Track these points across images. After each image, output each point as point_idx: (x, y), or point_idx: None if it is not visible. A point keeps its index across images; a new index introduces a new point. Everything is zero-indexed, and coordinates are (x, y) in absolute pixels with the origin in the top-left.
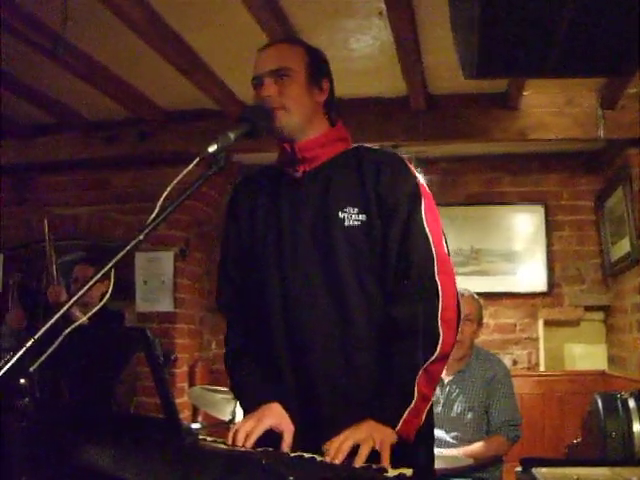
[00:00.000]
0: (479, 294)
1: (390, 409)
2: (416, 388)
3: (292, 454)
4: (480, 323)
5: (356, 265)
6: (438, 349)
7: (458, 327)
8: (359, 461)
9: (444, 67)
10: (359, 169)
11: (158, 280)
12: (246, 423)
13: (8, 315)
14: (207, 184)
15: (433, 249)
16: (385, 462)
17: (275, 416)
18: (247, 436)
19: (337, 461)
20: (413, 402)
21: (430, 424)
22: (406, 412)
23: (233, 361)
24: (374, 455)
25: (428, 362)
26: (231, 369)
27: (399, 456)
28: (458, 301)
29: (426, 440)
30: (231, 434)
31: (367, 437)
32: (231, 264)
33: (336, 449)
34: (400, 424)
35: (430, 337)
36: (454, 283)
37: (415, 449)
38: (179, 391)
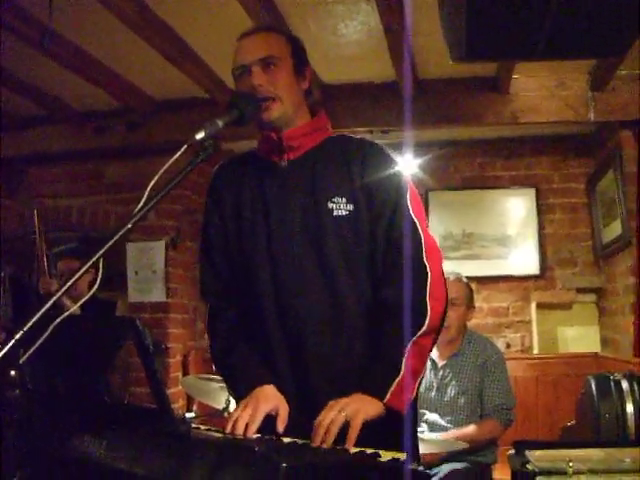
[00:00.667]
0: (471, 278)
1: (377, 381)
2: (404, 361)
3: (286, 440)
4: (470, 306)
5: (345, 253)
6: (427, 322)
7: (446, 305)
8: (350, 445)
9: (433, 51)
10: (344, 159)
11: (150, 270)
12: (244, 411)
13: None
14: (197, 173)
15: (421, 234)
16: (350, 440)
17: (270, 399)
18: (247, 425)
19: (325, 446)
20: (401, 374)
21: (415, 405)
22: (394, 384)
23: (222, 350)
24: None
25: (417, 335)
26: (221, 358)
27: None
28: (445, 282)
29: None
30: (230, 424)
31: (343, 407)
32: (215, 251)
33: (321, 435)
34: (388, 396)
35: (418, 311)
36: (441, 263)
37: (404, 431)
38: (173, 380)
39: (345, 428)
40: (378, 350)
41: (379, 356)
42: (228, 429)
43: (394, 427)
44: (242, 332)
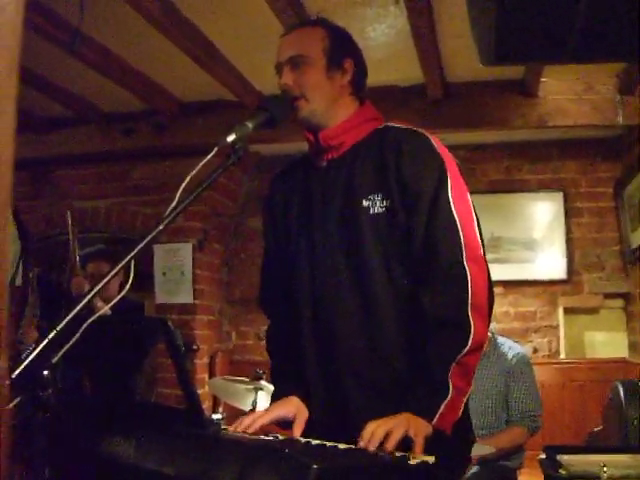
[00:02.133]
0: (498, 282)
1: (426, 402)
2: (450, 381)
3: (314, 442)
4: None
5: (383, 253)
6: (470, 341)
7: (490, 315)
8: (389, 445)
9: (461, 55)
10: (381, 151)
11: (177, 272)
12: (255, 413)
13: (28, 307)
14: (224, 175)
15: (461, 234)
16: (418, 450)
17: (287, 407)
18: (251, 424)
19: (371, 447)
20: (449, 396)
21: (467, 413)
22: (442, 405)
23: (270, 353)
24: (407, 444)
25: (461, 355)
26: (270, 362)
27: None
28: (490, 288)
29: (464, 429)
30: (237, 422)
31: (400, 424)
32: (271, 261)
33: (370, 434)
34: (437, 418)
35: (461, 328)
36: (484, 269)
37: (452, 438)
38: (200, 382)
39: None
40: (424, 368)
41: (424, 375)
42: (235, 426)
43: (440, 446)
44: (286, 339)
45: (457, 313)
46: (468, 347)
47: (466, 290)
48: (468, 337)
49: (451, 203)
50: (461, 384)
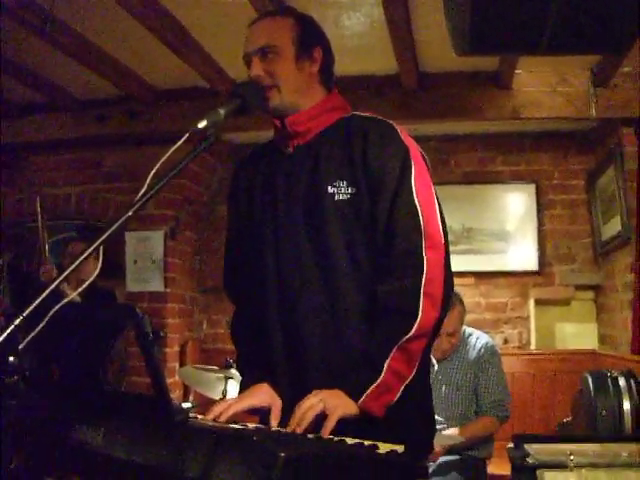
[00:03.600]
0: (470, 273)
1: (355, 383)
2: (386, 364)
3: (284, 430)
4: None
5: (347, 239)
6: (415, 327)
7: (445, 303)
8: (325, 432)
9: (436, 45)
10: (348, 139)
11: (148, 260)
12: (226, 402)
13: None
14: (197, 163)
15: (422, 222)
16: (327, 426)
17: (259, 395)
18: (222, 412)
19: (298, 431)
20: (380, 378)
21: (426, 401)
22: (371, 387)
23: (236, 340)
24: (351, 427)
25: (403, 340)
26: (235, 347)
27: (391, 431)
28: (448, 276)
29: (422, 416)
30: (209, 411)
31: (323, 398)
32: (233, 246)
33: (298, 420)
34: (363, 398)
35: (407, 314)
36: (443, 258)
37: (409, 425)
38: (170, 371)
39: (320, 418)
40: (365, 351)
41: (363, 357)
42: (207, 415)
43: (372, 428)
44: (250, 323)
45: (406, 299)
46: (412, 333)
47: (420, 278)
48: (413, 323)
49: (413, 191)
50: (401, 368)
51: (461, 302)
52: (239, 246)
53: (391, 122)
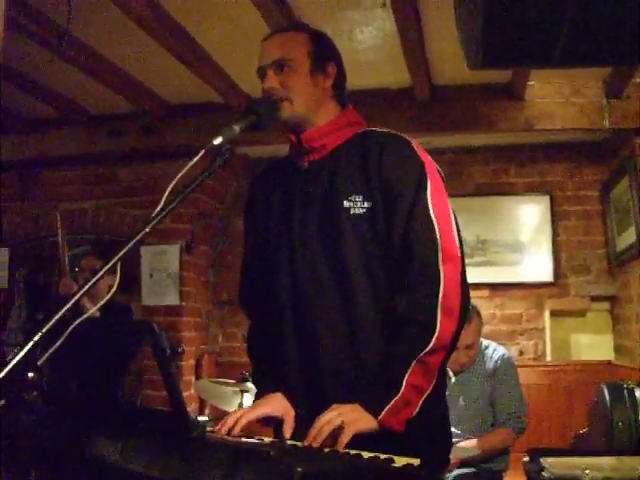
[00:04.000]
0: (485, 285)
1: (374, 398)
2: (406, 379)
3: (300, 444)
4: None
5: (363, 254)
6: (433, 340)
7: (462, 316)
8: (339, 446)
9: (448, 58)
10: (363, 154)
11: (164, 274)
12: (240, 411)
13: (15, 308)
14: (212, 177)
15: (438, 236)
16: (342, 440)
17: (272, 404)
18: (236, 422)
19: (315, 444)
20: (399, 393)
21: (443, 414)
22: (391, 402)
23: (251, 353)
24: (368, 440)
25: (422, 353)
26: (251, 361)
27: (408, 445)
28: (465, 289)
29: (439, 430)
30: (222, 421)
31: (342, 413)
32: (250, 262)
33: (315, 434)
34: (383, 414)
35: (426, 328)
36: (459, 271)
37: (426, 438)
38: (186, 384)
39: (338, 432)
40: (383, 365)
41: (382, 372)
42: (219, 426)
43: (389, 442)
44: (266, 338)
45: (424, 313)
46: (430, 346)
47: (437, 292)
48: (432, 336)
49: (429, 205)
50: (420, 382)
51: (478, 315)
52: (256, 261)
53: (407, 137)
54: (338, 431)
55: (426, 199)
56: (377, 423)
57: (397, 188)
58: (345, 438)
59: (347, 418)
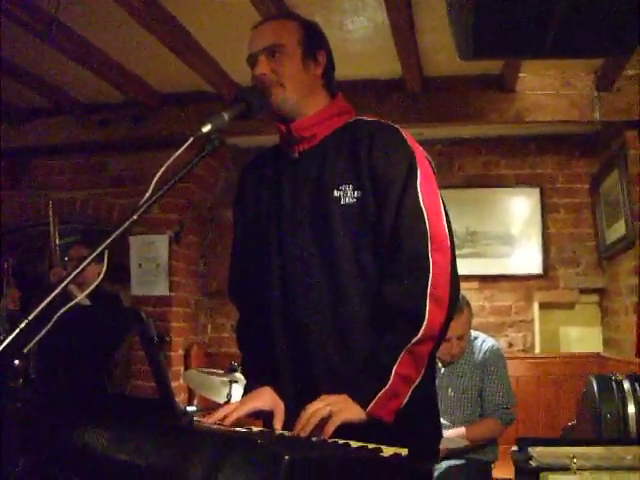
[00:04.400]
0: (474, 276)
1: (363, 389)
2: (394, 369)
3: (288, 433)
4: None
5: (354, 243)
6: (422, 330)
7: (452, 306)
8: (326, 433)
9: (439, 49)
10: (353, 143)
11: (153, 263)
12: (230, 405)
13: (3, 298)
14: (201, 167)
15: (427, 225)
16: (327, 429)
17: (262, 398)
18: (225, 417)
19: (303, 434)
20: (388, 384)
21: (432, 404)
22: (380, 393)
23: (241, 345)
24: (356, 431)
25: (411, 343)
26: (241, 353)
27: (397, 435)
28: (454, 278)
29: (428, 420)
30: (211, 415)
31: (330, 403)
32: (239, 252)
33: (303, 424)
34: (371, 405)
35: (414, 317)
36: (449, 260)
37: (415, 429)
38: (175, 374)
39: (326, 422)
40: (371, 356)
41: (370, 362)
42: (209, 419)
43: (378, 432)
44: (255, 329)
45: (412, 303)
46: (419, 336)
47: (426, 281)
48: (420, 326)
49: (419, 195)
50: (408, 372)
51: (468, 305)
52: (245, 252)
53: (396, 126)
54: (326, 421)
55: (416, 188)
56: (365, 414)
57: (387, 177)
58: (332, 427)
59: (335, 408)
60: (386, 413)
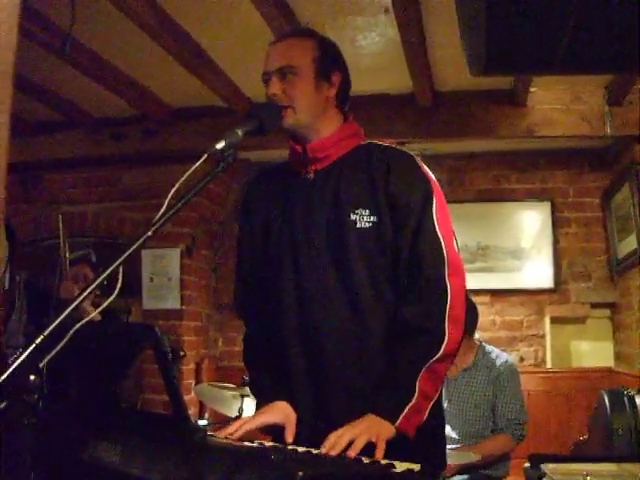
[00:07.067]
0: (486, 291)
1: (390, 404)
2: (417, 385)
3: (302, 449)
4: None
5: (369, 266)
6: (443, 348)
7: (464, 323)
8: (352, 452)
9: (450, 64)
10: (369, 168)
11: (165, 277)
12: (242, 420)
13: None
14: (213, 181)
15: (444, 251)
16: (379, 454)
17: (274, 413)
18: (236, 431)
19: (333, 454)
20: (414, 399)
21: (441, 422)
22: (406, 408)
23: (248, 361)
24: (371, 448)
25: (432, 360)
26: (248, 369)
27: (408, 451)
28: (466, 298)
29: (437, 437)
30: (223, 430)
31: (363, 430)
32: (245, 265)
33: (332, 443)
34: (400, 419)
35: (435, 336)
36: (463, 283)
37: (425, 445)
38: (186, 388)
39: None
40: (393, 372)
41: (393, 377)
42: (221, 433)
43: (402, 449)
44: (267, 345)
45: (433, 322)
46: (440, 354)
47: (445, 303)
48: (441, 344)
49: (435, 223)
50: (428, 389)
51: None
52: (252, 266)
53: (411, 153)
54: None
55: (432, 217)
56: (394, 429)
57: (405, 203)
58: (380, 452)
59: (373, 431)
60: (410, 428)
